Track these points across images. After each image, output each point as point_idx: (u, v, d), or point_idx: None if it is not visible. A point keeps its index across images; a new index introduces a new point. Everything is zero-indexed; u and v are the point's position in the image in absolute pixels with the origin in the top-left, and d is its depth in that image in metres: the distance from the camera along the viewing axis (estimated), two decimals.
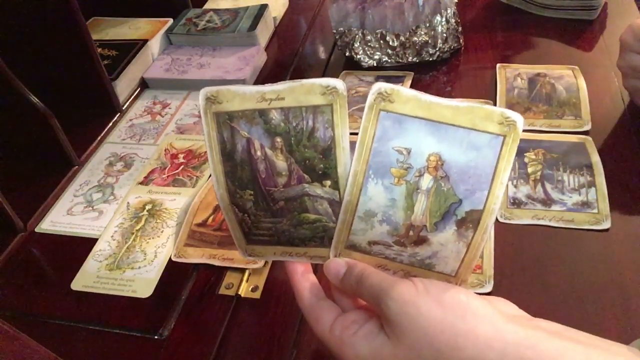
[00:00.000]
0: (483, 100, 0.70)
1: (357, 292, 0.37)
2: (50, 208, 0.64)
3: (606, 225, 0.53)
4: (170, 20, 0.91)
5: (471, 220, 0.35)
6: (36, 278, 0.57)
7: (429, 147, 0.35)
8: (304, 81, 0.36)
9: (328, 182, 0.37)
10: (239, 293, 0.52)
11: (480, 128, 0.34)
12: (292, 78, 0.68)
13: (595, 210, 0.54)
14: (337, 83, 0.35)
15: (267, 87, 0.36)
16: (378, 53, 0.78)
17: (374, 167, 0.36)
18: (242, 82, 0.79)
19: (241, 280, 0.53)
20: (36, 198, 0.65)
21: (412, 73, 0.77)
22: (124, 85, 0.79)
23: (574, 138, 0.63)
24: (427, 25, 0.75)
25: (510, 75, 0.73)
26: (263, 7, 0.90)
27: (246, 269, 0.53)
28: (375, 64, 0.79)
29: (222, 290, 0.52)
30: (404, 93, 0.35)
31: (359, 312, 0.37)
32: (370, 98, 0.35)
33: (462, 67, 0.79)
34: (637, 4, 0.85)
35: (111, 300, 0.53)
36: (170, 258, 0.56)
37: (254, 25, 0.86)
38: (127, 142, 0.74)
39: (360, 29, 0.78)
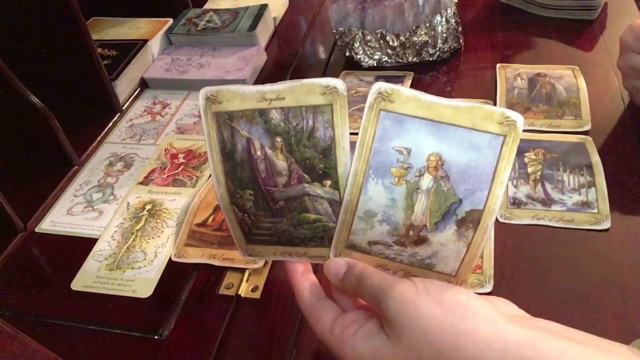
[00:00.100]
0: (483, 100, 0.70)
1: (357, 292, 0.37)
2: (50, 208, 0.64)
3: (606, 225, 0.53)
4: (170, 20, 0.91)
5: (471, 220, 0.35)
6: (36, 278, 0.57)
7: (429, 147, 0.35)
8: (304, 81, 0.36)
9: (328, 182, 0.37)
10: (239, 293, 0.52)
11: (480, 128, 0.34)
12: (292, 78, 0.68)
13: (595, 210, 0.54)
14: (337, 83, 0.35)
15: (267, 87, 0.36)
16: (378, 53, 0.78)
17: (374, 167, 0.36)
18: (242, 82, 0.79)
19: (241, 280, 0.53)
20: (36, 198, 0.65)
21: (412, 73, 0.77)
22: (124, 85, 0.79)
23: (574, 138, 0.63)
24: (427, 25, 0.75)
25: (510, 75, 0.73)
26: (263, 7, 0.90)
27: (246, 269, 0.53)
28: (375, 64, 0.79)
29: (222, 290, 0.52)
30: (404, 93, 0.35)
31: (359, 312, 0.37)
32: (370, 98, 0.35)
33: (462, 67, 0.79)
34: (637, 4, 0.85)
35: (111, 300, 0.53)
36: (170, 258, 0.56)
37: (254, 25, 0.86)
38: (127, 142, 0.74)
39: (360, 29, 0.78)
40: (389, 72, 0.79)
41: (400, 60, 0.79)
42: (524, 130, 0.34)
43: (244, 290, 0.52)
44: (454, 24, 0.77)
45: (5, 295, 0.55)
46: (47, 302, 0.54)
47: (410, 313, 0.32)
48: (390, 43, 0.77)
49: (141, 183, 0.66)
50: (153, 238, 0.59)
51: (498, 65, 0.75)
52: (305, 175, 0.37)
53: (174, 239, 0.58)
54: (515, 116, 0.33)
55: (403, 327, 0.32)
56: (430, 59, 0.78)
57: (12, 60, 0.61)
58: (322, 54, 0.88)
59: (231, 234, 0.41)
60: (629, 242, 0.52)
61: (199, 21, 0.90)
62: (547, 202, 0.56)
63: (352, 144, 0.36)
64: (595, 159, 0.59)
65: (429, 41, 0.76)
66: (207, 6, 0.99)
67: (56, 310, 0.53)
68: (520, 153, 0.61)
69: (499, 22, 0.87)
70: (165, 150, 0.71)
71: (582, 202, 0.55)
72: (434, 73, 0.78)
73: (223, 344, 0.48)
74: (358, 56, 0.79)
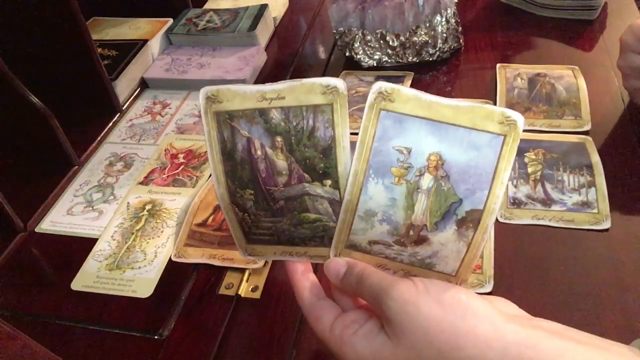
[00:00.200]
0: (483, 100, 0.70)
1: (357, 292, 0.37)
2: (50, 208, 0.64)
3: (606, 225, 0.53)
4: (170, 20, 0.91)
5: (471, 220, 0.35)
6: (36, 278, 0.57)
7: (429, 146, 0.35)
8: (305, 80, 0.36)
9: (328, 182, 0.37)
10: (239, 293, 0.52)
11: (480, 127, 0.34)
12: (292, 78, 0.68)
13: (595, 210, 0.54)
14: (338, 82, 0.35)
15: (268, 87, 0.36)
16: (378, 53, 0.78)
17: (374, 166, 0.36)
18: (242, 82, 0.79)
19: (241, 280, 0.53)
20: (36, 198, 0.65)
21: (412, 73, 0.77)
22: (124, 85, 0.79)
23: (574, 138, 0.63)
24: (427, 25, 0.75)
25: (510, 75, 0.73)
26: (263, 7, 0.90)
27: (246, 269, 0.53)
28: (375, 64, 0.79)
29: (222, 290, 0.52)
30: (405, 92, 0.35)
31: (359, 311, 0.37)
32: (370, 97, 0.35)
33: (462, 67, 0.79)
34: (637, 4, 0.85)
35: (111, 300, 0.53)
36: (170, 258, 0.56)
37: (254, 25, 0.86)
38: (127, 142, 0.74)
39: (360, 29, 0.78)
40: (389, 72, 0.79)
41: (400, 60, 0.79)
42: (524, 131, 0.34)
43: (244, 290, 0.52)
44: (454, 24, 0.77)
45: (5, 295, 0.55)
46: (47, 302, 0.54)
47: (411, 313, 0.32)
48: (390, 43, 0.77)
49: (141, 183, 0.66)
50: (153, 238, 0.59)
51: (498, 65, 0.75)
52: (306, 175, 0.37)
53: (174, 239, 0.58)
54: (516, 116, 0.33)
55: (403, 327, 0.32)
56: (430, 59, 0.78)
57: (12, 60, 0.61)
58: (322, 54, 0.88)
59: (231, 234, 0.41)
60: (629, 242, 0.52)
61: (199, 21, 0.90)
62: (547, 202, 0.56)
63: (353, 144, 0.36)
64: (595, 159, 0.59)
65: (429, 41, 0.76)
66: (207, 6, 0.99)
67: (56, 310, 0.53)
68: (520, 153, 0.61)
69: (499, 22, 0.87)
70: (165, 150, 0.71)
71: (582, 202, 0.55)
72: (434, 73, 0.78)
73: (223, 344, 0.48)
74: (358, 56, 0.79)
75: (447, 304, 0.32)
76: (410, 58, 0.78)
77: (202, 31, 0.88)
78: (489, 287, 0.49)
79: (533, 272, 0.50)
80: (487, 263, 0.50)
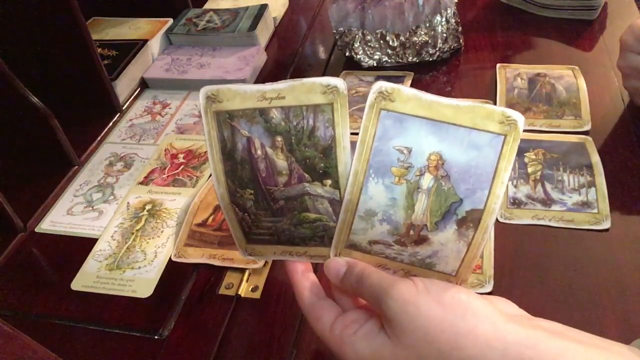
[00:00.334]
0: (483, 100, 0.70)
1: (357, 292, 0.37)
2: (50, 208, 0.64)
3: (606, 225, 0.53)
4: (170, 20, 0.91)
5: (472, 220, 0.35)
6: (36, 278, 0.57)
7: (429, 146, 0.35)
8: (305, 80, 0.36)
9: (328, 181, 0.37)
10: (239, 293, 0.52)
11: (481, 127, 0.34)
12: (292, 78, 0.68)
13: (595, 210, 0.54)
14: (338, 82, 0.35)
15: (268, 86, 0.36)
16: (378, 53, 0.78)
17: (374, 166, 0.36)
18: (242, 82, 0.79)
19: (241, 280, 0.53)
20: (36, 198, 0.64)
21: (412, 73, 0.77)
22: (124, 85, 0.79)
23: (574, 138, 0.63)
24: (427, 25, 0.75)
25: (510, 75, 0.73)
26: (263, 7, 0.90)
27: (246, 269, 0.53)
28: (375, 64, 0.79)
29: (222, 290, 0.52)
30: (405, 92, 0.35)
31: (359, 311, 0.37)
32: (371, 97, 0.35)
33: (462, 67, 0.79)
34: (637, 4, 0.85)
35: (111, 300, 0.53)
36: (170, 258, 0.56)
37: (254, 25, 0.86)
38: (127, 142, 0.74)
39: (360, 29, 0.78)
40: (389, 72, 0.79)
41: (400, 60, 0.79)
42: (524, 131, 0.34)
43: (244, 290, 0.52)
44: (454, 24, 0.77)
45: (5, 295, 0.55)
46: (47, 302, 0.54)
47: (411, 313, 0.32)
48: (390, 43, 0.77)
49: (141, 183, 0.66)
50: (153, 238, 0.59)
51: (498, 65, 0.75)
52: (306, 175, 0.37)
53: (174, 239, 0.58)
54: (516, 115, 0.33)
55: (403, 327, 0.32)
56: (430, 59, 0.78)
57: (12, 60, 0.61)
58: (322, 54, 0.88)
59: (231, 234, 0.41)
60: (629, 242, 0.51)
61: (199, 21, 0.90)
62: (547, 202, 0.56)
63: (353, 144, 0.36)
64: (595, 159, 0.59)
65: (429, 41, 0.76)
66: (207, 6, 0.99)
67: (56, 310, 0.53)
68: (520, 153, 0.61)
69: (499, 22, 0.87)
70: (165, 150, 0.71)
71: (582, 202, 0.55)
72: (434, 73, 0.78)
73: (223, 344, 0.48)
74: (358, 56, 0.79)
75: (447, 303, 0.32)
76: (410, 58, 0.78)
77: (202, 31, 0.88)
78: (489, 287, 0.49)
79: (533, 272, 0.50)
80: (487, 263, 0.50)
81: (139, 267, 0.56)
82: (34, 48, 0.71)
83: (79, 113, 0.74)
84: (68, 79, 0.74)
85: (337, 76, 0.75)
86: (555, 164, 0.59)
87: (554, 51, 0.79)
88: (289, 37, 0.92)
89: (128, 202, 0.63)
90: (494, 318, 0.32)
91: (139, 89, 0.83)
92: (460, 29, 0.78)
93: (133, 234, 0.59)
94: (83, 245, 0.59)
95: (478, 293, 0.34)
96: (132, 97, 0.81)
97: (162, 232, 0.59)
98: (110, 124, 0.76)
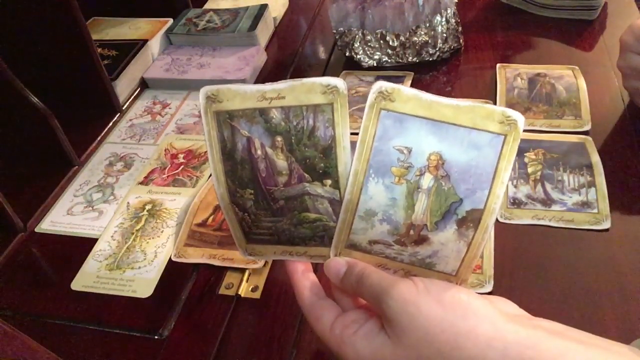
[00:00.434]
0: (483, 100, 0.70)
1: (357, 292, 0.37)
2: (50, 208, 0.64)
3: (606, 225, 0.53)
4: (170, 20, 0.91)
5: (472, 220, 0.35)
6: (36, 278, 0.57)
7: (429, 146, 0.35)
8: (305, 80, 0.36)
9: (328, 181, 0.37)
10: (239, 293, 0.52)
11: (481, 127, 0.34)
12: (292, 78, 0.68)
13: (595, 210, 0.54)
14: (338, 82, 0.35)
15: (268, 86, 0.36)
16: (378, 53, 0.78)
17: (374, 166, 0.36)
18: (242, 82, 0.79)
19: (241, 280, 0.53)
20: (36, 198, 0.64)
21: (412, 73, 0.77)
22: (124, 85, 0.79)
23: (574, 138, 0.63)
24: (427, 25, 0.75)
25: (510, 75, 0.73)
26: (263, 7, 0.90)
27: (246, 269, 0.53)
28: (375, 64, 0.79)
29: (222, 290, 0.52)
30: (405, 92, 0.35)
31: (359, 311, 0.37)
32: (371, 97, 0.35)
33: (462, 67, 0.79)
34: (637, 4, 0.85)
35: (111, 300, 0.53)
36: (170, 258, 0.56)
37: (254, 25, 0.86)
38: (127, 142, 0.74)
39: (360, 29, 0.78)
40: (389, 72, 0.79)
41: (400, 60, 0.79)
42: (524, 131, 0.34)
43: (244, 290, 0.52)
44: (454, 24, 0.77)
45: (5, 295, 0.55)
46: (47, 302, 0.54)
47: (411, 312, 0.32)
48: (390, 43, 0.77)
49: (141, 183, 0.66)
50: (153, 238, 0.59)
51: (498, 65, 0.75)
52: (306, 175, 0.37)
53: (174, 239, 0.58)
54: (516, 115, 0.33)
55: (403, 327, 0.32)
56: (430, 59, 0.78)
57: (12, 60, 0.61)
58: (322, 54, 0.88)
59: (231, 234, 0.41)
60: (629, 242, 0.51)
61: (199, 21, 0.90)
62: (547, 202, 0.56)
63: (353, 144, 0.36)
64: (595, 159, 0.59)
65: (429, 41, 0.76)
66: (207, 6, 0.99)
67: (56, 310, 0.53)
68: (520, 153, 0.61)
69: (499, 22, 0.87)
70: (165, 150, 0.71)
71: (582, 202, 0.55)
72: (434, 73, 0.78)
73: (223, 344, 0.48)
74: (358, 56, 0.79)
75: (448, 303, 0.32)
76: (410, 58, 0.78)
77: (202, 31, 0.88)
78: (489, 287, 0.49)
79: (533, 272, 0.50)
80: (487, 263, 0.50)
81: (139, 267, 0.56)
82: (34, 48, 0.71)
83: (79, 113, 0.74)
84: (68, 79, 0.74)
85: (337, 76, 0.75)
86: (555, 164, 0.59)
87: (554, 51, 0.79)
88: (289, 37, 0.92)
89: (128, 202, 0.63)
90: (494, 318, 0.32)
91: (139, 89, 0.83)
92: (460, 29, 0.78)
93: (133, 234, 0.59)
94: (83, 245, 0.59)
95: (478, 293, 0.34)
96: (132, 97, 0.81)
97: (162, 232, 0.59)
98: (110, 124, 0.76)
